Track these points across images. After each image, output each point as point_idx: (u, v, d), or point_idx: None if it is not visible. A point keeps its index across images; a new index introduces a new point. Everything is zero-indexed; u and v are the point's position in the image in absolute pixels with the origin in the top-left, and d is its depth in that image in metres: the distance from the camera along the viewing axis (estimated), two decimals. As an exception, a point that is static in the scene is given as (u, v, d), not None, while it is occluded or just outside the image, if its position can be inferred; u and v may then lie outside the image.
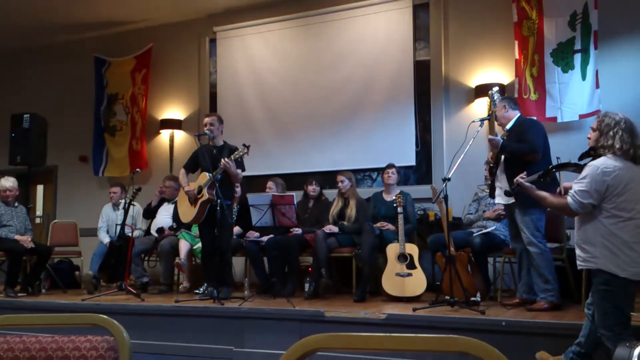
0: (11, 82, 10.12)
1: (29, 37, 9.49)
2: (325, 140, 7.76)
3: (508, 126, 5.12)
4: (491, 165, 5.18)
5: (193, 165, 6.17)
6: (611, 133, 3.40)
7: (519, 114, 5.18)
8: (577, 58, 6.35)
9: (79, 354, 1.50)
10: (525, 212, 4.86)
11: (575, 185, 3.43)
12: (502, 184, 5.01)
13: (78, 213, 8.76)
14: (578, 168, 3.62)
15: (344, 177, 6.48)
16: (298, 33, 8.14)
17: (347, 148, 7.62)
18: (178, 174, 6.44)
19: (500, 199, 5.08)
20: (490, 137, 5.02)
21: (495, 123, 5.29)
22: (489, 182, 5.98)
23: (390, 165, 6.43)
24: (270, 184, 6.94)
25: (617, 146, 3.36)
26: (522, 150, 4.89)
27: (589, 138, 3.59)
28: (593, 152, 3.52)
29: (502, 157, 5.00)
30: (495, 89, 5.35)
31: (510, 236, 5.30)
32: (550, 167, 3.81)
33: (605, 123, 3.46)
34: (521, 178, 3.99)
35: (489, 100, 5.07)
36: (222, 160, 5.67)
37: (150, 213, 7.59)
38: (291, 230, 6.34)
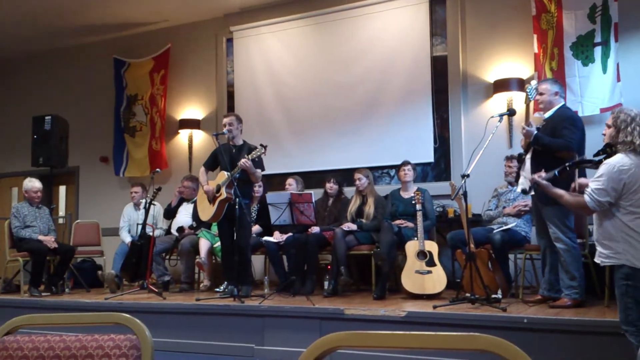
0: (32, 85, 10.24)
1: (49, 39, 9.60)
2: (343, 138, 7.75)
3: (548, 114, 4.96)
4: (520, 153, 5.06)
5: (213, 163, 6.21)
6: (629, 129, 3.38)
7: (562, 103, 5.01)
8: (598, 51, 6.27)
9: (102, 352, 1.52)
10: (552, 207, 4.73)
11: (592, 184, 3.43)
12: (526, 173, 4.91)
13: (100, 213, 8.86)
14: (594, 165, 3.59)
15: (361, 174, 6.47)
16: (314, 31, 8.13)
17: (365, 145, 7.60)
18: (197, 173, 6.48)
19: (522, 184, 4.99)
20: (524, 126, 4.83)
21: (531, 114, 5.10)
22: (508, 177, 5.93)
23: (406, 162, 6.40)
24: (290, 180, 6.96)
25: (637, 142, 3.34)
26: (556, 145, 4.72)
27: (604, 135, 3.57)
28: (609, 149, 3.50)
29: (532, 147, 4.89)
30: (534, 82, 5.18)
31: (536, 231, 5.20)
32: (566, 164, 3.77)
33: (621, 119, 3.43)
34: (538, 176, 3.96)
35: (525, 93, 4.91)
36: (241, 160, 5.69)
37: (170, 213, 7.65)
38: (310, 228, 6.34)
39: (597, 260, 3.52)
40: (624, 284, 3.32)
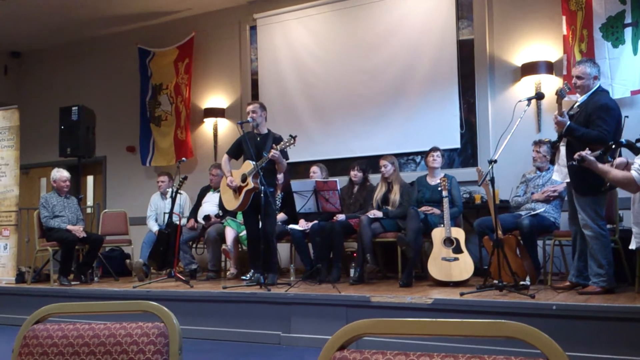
0: (58, 75, 10.37)
1: (74, 30, 9.70)
2: (368, 125, 7.71)
3: (582, 99, 4.81)
4: (554, 141, 4.93)
5: (237, 152, 6.22)
6: None
7: (597, 86, 4.82)
8: (628, 32, 6.12)
9: (131, 340, 1.53)
10: (582, 195, 4.68)
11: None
12: (561, 161, 4.82)
13: (127, 202, 8.96)
14: (634, 149, 3.52)
15: (386, 161, 6.43)
16: (338, 17, 8.08)
17: (390, 132, 7.55)
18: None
19: (557, 176, 4.93)
20: (557, 116, 4.68)
21: (564, 108, 4.95)
22: (537, 162, 5.84)
23: (435, 149, 6.33)
24: (314, 168, 6.96)
25: None
26: (590, 137, 4.52)
27: None
28: None
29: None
30: (565, 83, 5.02)
31: (569, 216, 5.10)
32: (610, 143, 3.67)
33: None
34: (586, 153, 3.86)
35: (557, 95, 4.75)
36: (271, 150, 5.69)
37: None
38: (335, 216, 6.33)
39: (632, 245, 3.45)
40: None
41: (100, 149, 8.83)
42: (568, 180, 4.74)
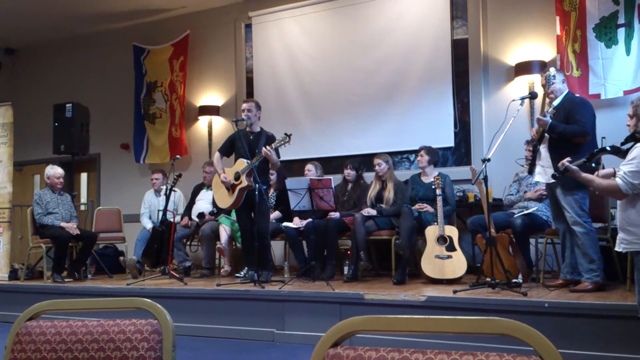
0: (53, 72, 10.33)
1: (69, 27, 9.66)
2: (362, 123, 7.71)
3: (556, 103, 4.94)
4: (534, 142, 5.03)
5: (229, 149, 6.22)
6: None
7: (567, 90, 5.03)
8: (621, 32, 6.15)
9: (124, 337, 1.53)
10: (568, 192, 4.74)
11: (625, 167, 3.35)
12: (543, 162, 4.89)
13: (121, 200, 8.95)
14: (622, 154, 3.53)
15: (380, 159, 6.44)
16: (333, 16, 8.08)
17: (385, 130, 7.57)
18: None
19: (541, 177, 4.97)
20: (539, 117, 4.83)
21: (547, 103, 5.07)
22: (529, 161, 5.87)
23: (421, 148, 6.39)
24: (309, 166, 6.96)
25: None
26: (572, 131, 4.72)
27: (629, 125, 3.55)
28: (632, 138, 3.47)
29: (547, 135, 4.86)
30: (553, 69, 5.10)
31: (552, 216, 5.19)
32: (595, 150, 3.69)
33: None
34: (567, 162, 3.90)
35: (544, 80, 4.85)
36: (264, 148, 5.69)
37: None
38: (329, 214, 6.34)
39: (617, 248, 3.48)
40: None
41: (94, 146, 8.79)
42: (553, 181, 4.77)
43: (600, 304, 4.21)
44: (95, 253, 7.55)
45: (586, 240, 4.72)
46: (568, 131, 4.73)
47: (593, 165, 3.64)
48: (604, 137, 4.72)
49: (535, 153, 5.01)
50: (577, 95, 5.13)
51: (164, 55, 9.13)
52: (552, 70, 4.92)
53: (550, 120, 4.77)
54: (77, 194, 9.01)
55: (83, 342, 1.55)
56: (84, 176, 10.31)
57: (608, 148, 3.59)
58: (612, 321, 4.06)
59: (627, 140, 3.55)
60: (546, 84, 4.90)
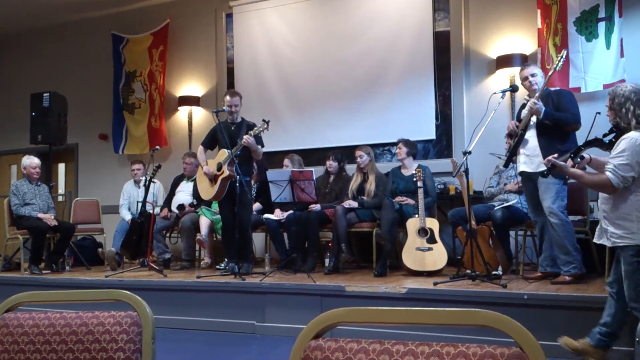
0: (30, 61, 10.17)
1: (46, 15, 9.51)
2: (344, 115, 7.71)
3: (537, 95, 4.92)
4: (520, 132, 4.98)
5: (211, 142, 6.19)
6: (623, 110, 3.39)
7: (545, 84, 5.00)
8: (601, 26, 6.20)
9: (103, 329, 1.52)
10: (548, 182, 4.73)
11: (615, 160, 3.34)
12: (529, 151, 4.87)
13: (99, 191, 8.86)
14: (605, 146, 3.53)
15: (362, 152, 6.45)
16: (315, 7, 8.04)
17: (366, 122, 7.57)
18: (197, 150, 6.44)
19: (526, 167, 4.93)
20: (534, 101, 4.75)
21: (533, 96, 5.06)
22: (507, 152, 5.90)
23: (399, 140, 6.41)
24: (286, 161, 6.94)
25: (634, 122, 3.35)
26: (566, 119, 4.77)
27: (609, 116, 3.56)
28: (616, 129, 3.48)
29: (533, 123, 4.84)
30: (565, 51, 5.13)
31: (531, 210, 5.19)
32: (580, 145, 3.69)
33: (617, 102, 3.44)
34: (554, 158, 3.91)
35: (558, 62, 4.89)
36: (244, 137, 5.67)
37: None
38: (310, 206, 6.33)
39: (606, 242, 3.48)
40: (635, 261, 3.31)
41: (72, 136, 8.68)
42: (541, 169, 4.77)
43: (578, 296, 4.27)
44: (73, 244, 7.47)
45: (562, 232, 4.73)
46: (563, 119, 4.76)
47: (578, 160, 3.63)
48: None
49: (517, 144, 4.98)
50: (563, 89, 5.17)
51: (144, 44, 9.03)
52: (563, 53, 4.95)
53: (544, 107, 4.75)
54: (54, 184, 8.89)
55: (61, 334, 1.53)
56: (61, 167, 10.18)
57: (592, 140, 3.59)
58: (591, 313, 4.10)
59: (610, 132, 3.57)
60: (527, 80, 4.88)
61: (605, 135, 3.55)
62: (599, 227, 3.60)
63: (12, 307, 1.61)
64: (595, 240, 3.62)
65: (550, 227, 4.82)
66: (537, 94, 4.85)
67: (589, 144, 3.59)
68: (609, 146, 3.48)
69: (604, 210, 3.49)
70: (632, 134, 3.34)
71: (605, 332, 3.60)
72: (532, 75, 4.94)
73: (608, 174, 3.32)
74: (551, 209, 4.76)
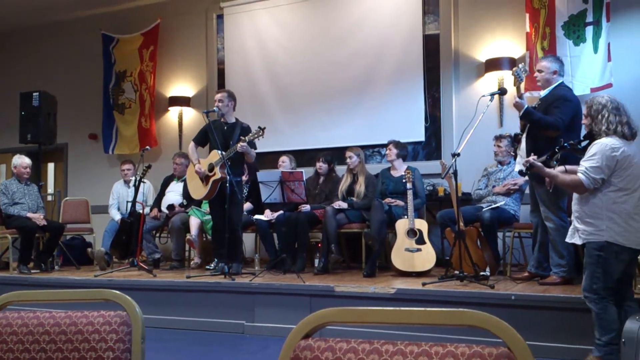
0: (19, 60, 10.10)
1: (36, 14, 9.45)
2: (334, 116, 7.72)
3: (544, 93, 4.92)
4: (517, 134, 5.06)
5: (202, 139, 6.17)
6: (599, 117, 3.60)
7: (559, 82, 4.91)
8: (589, 31, 6.25)
9: (92, 328, 1.52)
10: (543, 186, 4.76)
11: (586, 163, 3.56)
12: (523, 152, 4.91)
13: (89, 190, 8.82)
14: (580, 151, 3.74)
15: (352, 153, 6.47)
16: (306, 8, 8.05)
17: (356, 124, 7.58)
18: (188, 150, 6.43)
19: (520, 167, 4.97)
20: (517, 99, 4.75)
21: (523, 91, 5.03)
22: (497, 156, 5.97)
23: (389, 142, 6.44)
24: (283, 158, 6.96)
25: (604, 128, 3.56)
26: (545, 121, 4.66)
27: (584, 124, 3.76)
28: (589, 137, 3.70)
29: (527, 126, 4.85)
30: (522, 65, 5.10)
31: (530, 209, 5.18)
32: (556, 148, 3.85)
33: (594, 109, 3.65)
34: (532, 159, 4.01)
35: (514, 76, 4.85)
36: (240, 144, 5.65)
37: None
38: (300, 206, 6.34)
39: (577, 241, 3.65)
40: (596, 254, 3.52)
41: (62, 135, 8.65)
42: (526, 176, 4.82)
43: (566, 297, 4.30)
44: (63, 244, 7.43)
45: (557, 236, 4.75)
46: (543, 121, 4.68)
47: (554, 163, 3.82)
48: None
49: (518, 143, 5.00)
50: (567, 89, 5.01)
51: (134, 44, 9.00)
52: (520, 67, 4.95)
53: (526, 105, 4.74)
54: (44, 184, 8.85)
55: (50, 334, 1.53)
56: (50, 166, 10.13)
57: (567, 145, 3.78)
58: (577, 314, 4.14)
59: (584, 138, 3.78)
60: (516, 79, 4.90)
61: (579, 142, 3.77)
62: (571, 227, 3.78)
63: (1, 306, 1.61)
64: (567, 240, 3.81)
65: (546, 230, 4.86)
66: (525, 93, 4.90)
67: (563, 147, 3.79)
68: (582, 151, 3.68)
69: (576, 210, 3.68)
70: (603, 140, 3.55)
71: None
72: (539, 71, 4.94)
73: (580, 175, 3.55)
74: (547, 213, 4.79)
